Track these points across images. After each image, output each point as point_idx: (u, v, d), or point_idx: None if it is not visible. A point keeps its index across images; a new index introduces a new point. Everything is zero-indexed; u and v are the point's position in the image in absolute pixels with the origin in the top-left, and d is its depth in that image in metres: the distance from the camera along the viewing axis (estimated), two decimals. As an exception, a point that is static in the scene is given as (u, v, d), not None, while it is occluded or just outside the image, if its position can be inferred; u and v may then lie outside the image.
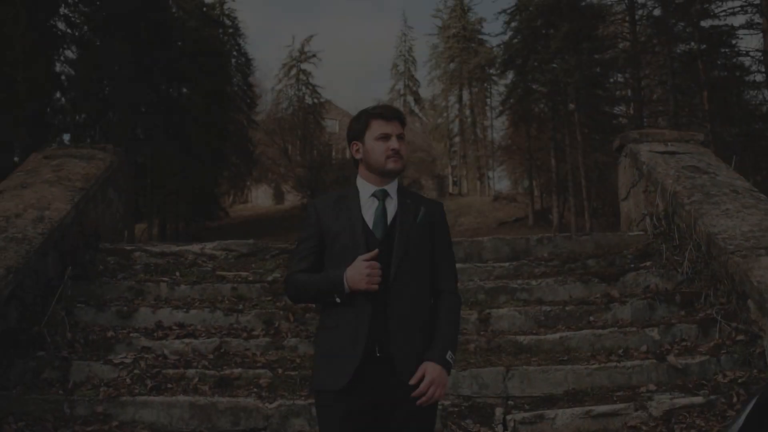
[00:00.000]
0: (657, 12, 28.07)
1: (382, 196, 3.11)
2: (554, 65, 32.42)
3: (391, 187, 3.15)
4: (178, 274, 6.21)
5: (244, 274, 6.26)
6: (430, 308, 3.07)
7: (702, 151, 7.31)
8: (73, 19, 27.22)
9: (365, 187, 3.15)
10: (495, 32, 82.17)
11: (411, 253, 3.01)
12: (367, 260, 2.87)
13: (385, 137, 3.08)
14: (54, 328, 5.19)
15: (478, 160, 55.25)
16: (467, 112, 56.11)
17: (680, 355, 5.02)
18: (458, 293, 3.20)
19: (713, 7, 26.07)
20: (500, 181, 61.69)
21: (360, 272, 2.84)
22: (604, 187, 32.99)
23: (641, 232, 6.95)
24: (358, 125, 3.21)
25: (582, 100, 32.41)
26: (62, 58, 28.19)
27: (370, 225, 3.04)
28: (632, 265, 6.30)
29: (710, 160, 7.05)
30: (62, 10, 26.03)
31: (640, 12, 29.11)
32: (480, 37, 52.97)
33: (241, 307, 5.75)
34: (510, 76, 39.68)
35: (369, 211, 3.09)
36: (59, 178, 6.23)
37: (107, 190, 6.91)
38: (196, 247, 6.63)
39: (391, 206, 3.10)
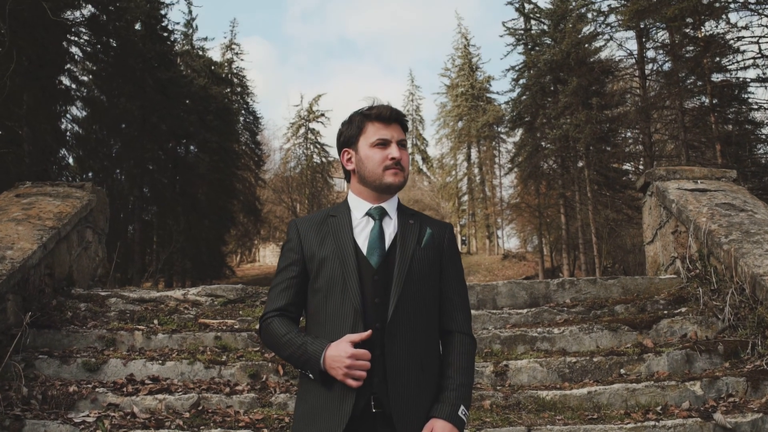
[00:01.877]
0: (667, 66, 27.77)
1: (378, 215, 2.54)
2: (563, 121, 32.12)
3: (390, 205, 2.57)
4: (156, 321, 5.56)
5: (230, 321, 5.59)
6: (437, 352, 2.49)
7: (735, 188, 6.69)
8: (79, 76, 27.01)
9: (358, 205, 2.57)
10: (503, 90, 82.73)
11: (414, 285, 2.44)
12: (356, 342, 2.29)
13: (383, 144, 2.52)
14: (8, 381, 4.53)
15: (487, 218, 54.72)
16: (476, 170, 55.77)
17: (729, 413, 4.31)
18: (472, 334, 2.56)
19: (724, 61, 25.72)
20: (509, 240, 61.04)
21: (340, 360, 2.27)
22: (615, 244, 32.43)
23: (673, 276, 6.29)
24: (351, 129, 2.63)
25: (591, 156, 32.05)
26: (68, 115, 28.03)
27: (364, 250, 2.48)
28: (665, 312, 5.62)
29: (746, 198, 6.41)
30: (69, 66, 25.81)
31: (650, 66, 28.83)
32: (488, 95, 52.86)
33: (224, 358, 5.08)
34: (518, 133, 39.44)
35: (363, 233, 2.53)
36: (28, 216, 5.63)
37: (84, 232, 6.30)
38: (178, 293, 5.98)
39: (390, 227, 2.53)
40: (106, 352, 5.16)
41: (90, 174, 29.19)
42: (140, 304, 5.80)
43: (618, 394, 4.60)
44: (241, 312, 5.81)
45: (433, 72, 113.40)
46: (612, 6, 26.86)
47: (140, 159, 30.38)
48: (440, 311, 2.54)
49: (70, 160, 28.14)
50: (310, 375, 2.33)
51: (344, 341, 2.29)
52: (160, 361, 4.96)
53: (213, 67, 38.38)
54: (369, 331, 2.31)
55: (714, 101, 26.76)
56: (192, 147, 35.69)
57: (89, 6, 23.82)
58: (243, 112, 43.36)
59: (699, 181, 6.69)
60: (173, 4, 32.08)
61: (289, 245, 2.60)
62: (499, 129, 48.61)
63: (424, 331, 2.44)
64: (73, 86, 25.19)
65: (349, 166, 2.63)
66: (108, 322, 5.52)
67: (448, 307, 2.55)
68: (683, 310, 5.60)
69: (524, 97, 36.05)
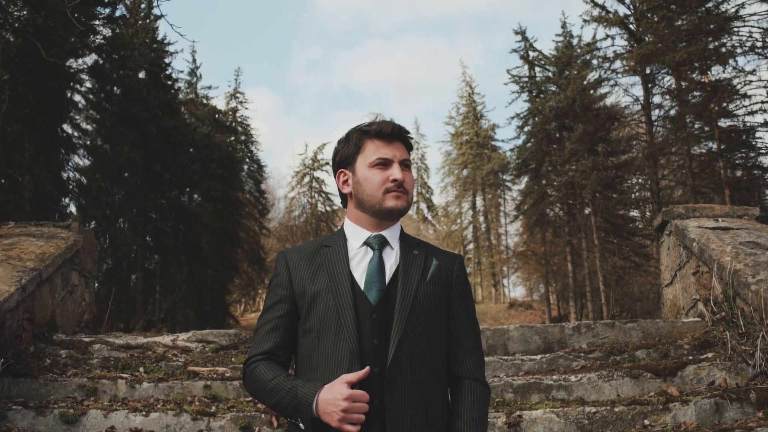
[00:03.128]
0: (674, 112, 27.69)
1: (378, 244, 2.23)
2: (569, 168, 31.98)
3: (391, 233, 2.26)
4: (141, 369, 5.16)
5: (221, 369, 5.19)
6: (445, 401, 2.17)
7: (759, 226, 6.32)
8: (82, 124, 26.95)
9: (356, 233, 2.26)
10: (508, 137, 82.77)
11: (418, 324, 2.13)
12: (353, 382, 1.99)
13: (384, 164, 2.22)
14: (-24, 435, 4.15)
15: (493, 266, 54.35)
16: (481, 218, 55.57)
17: (766, 468, 3.91)
18: (485, 381, 2.21)
19: (732, 106, 25.64)
20: (515, 288, 60.72)
21: (335, 403, 1.96)
22: (623, 292, 32.06)
23: (697, 319, 5.88)
24: (347, 147, 2.32)
25: (598, 203, 31.87)
26: (71, 163, 27.95)
27: (362, 284, 2.17)
28: (690, 357, 5.22)
29: (771, 236, 6.05)
30: (71, 114, 25.75)
31: (656, 112, 28.75)
32: (493, 143, 52.85)
33: (213, 409, 4.67)
34: (524, 180, 39.30)
35: (360, 264, 2.22)
36: (8, 257, 5.28)
37: (69, 274, 5.94)
38: (167, 339, 5.60)
39: (391, 258, 2.22)
40: (86, 403, 4.76)
41: (93, 223, 29.01)
42: (126, 350, 5.41)
43: (644, 447, 4.19)
44: (233, 359, 5.41)
45: (437, 121, 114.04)
46: (617, 52, 26.83)
47: (143, 207, 30.20)
48: (448, 354, 2.22)
49: (73, 209, 27.98)
50: (301, 425, 2.00)
51: (339, 382, 1.97)
52: (144, 413, 4.56)
53: (217, 116, 38.41)
54: (367, 368, 1.99)
55: (722, 146, 26.64)
56: (195, 195, 35.55)
57: (92, 54, 23.83)
58: (247, 160, 43.29)
59: (720, 219, 6.34)
60: (177, 52, 32.12)
61: (276, 280, 2.28)
62: (504, 177, 48.56)
63: (430, 377, 2.12)
64: (75, 134, 25.09)
65: (346, 189, 2.32)
66: (90, 370, 5.13)
67: (458, 349, 2.23)
68: (710, 355, 5.20)
69: (529, 144, 35.96)
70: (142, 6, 30.65)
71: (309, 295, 2.16)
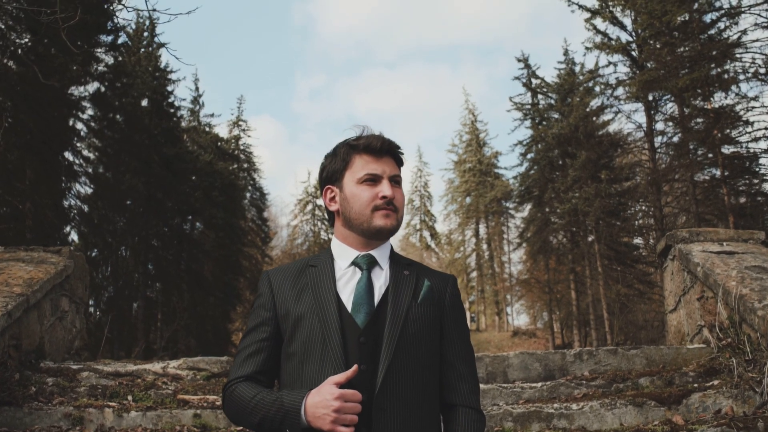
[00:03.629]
0: (677, 138, 27.70)
1: (366, 264, 2.12)
2: (572, 195, 31.94)
3: (381, 253, 2.15)
4: (130, 398, 5.00)
5: (211, 398, 5.03)
6: (437, 430, 2.04)
7: (765, 251, 6.18)
8: (83, 151, 26.97)
9: (343, 253, 2.15)
10: (511, 165, 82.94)
11: (408, 349, 2.01)
12: (341, 383, 1.88)
13: (373, 180, 2.11)
14: (-45, 465, 4.01)
15: (496, 294, 54.11)
16: (484, 246, 55.45)
17: (777, 501, 3.74)
18: (480, 409, 2.08)
19: (734, 133, 25.63)
20: (519, 316, 60.51)
21: (325, 404, 1.84)
22: (626, 320, 31.90)
23: (702, 345, 5.72)
24: (335, 163, 2.21)
25: (601, 230, 31.79)
26: (73, 191, 27.96)
27: (349, 307, 2.05)
28: (696, 385, 5.05)
29: (777, 260, 5.90)
30: (74, 142, 25.78)
31: (659, 139, 28.75)
32: (496, 170, 52.89)
33: (203, 439, 4.53)
34: (527, 208, 39.27)
35: (348, 286, 2.10)
36: (-4, 282, 5.16)
37: (59, 300, 5.80)
38: (157, 366, 5.44)
39: (381, 279, 2.11)
40: (71, 432, 4.61)
41: (95, 251, 28.93)
42: (115, 378, 5.26)
43: (648, 479, 4.03)
44: (225, 387, 5.26)
45: (440, 149, 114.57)
46: (620, 79, 26.84)
47: (145, 235, 30.20)
48: (441, 381, 2.09)
49: (75, 236, 27.92)
50: None
51: (327, 384, 1.86)
52: (131, 442, 4.42)
53: (219, 143, 38.49)
54: (354, 368, 1.87)
55: (725, 173, 26.59)
56: (198, 223, 35.53)
57: (95, 81, 23.89)
58: (249, 188, 43.33)
59: (725, 243, 6.20)
60: (180, 80, 32.23)
61: (259, 301, 2.16)
62: (507, 204, 48.60)
63: (421, 406, 1.99)
64: (77, 161, 25.08)
65: (333, 207, 2.20)
66: (77, 398, 4.97)
67: (451, 375, 2.09)
68: (715, 383, 5.04)
69: (532, 171, 35.97)
70: (145, 34, 30.78)
71: (293, 317, 2.04)
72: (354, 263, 2.12)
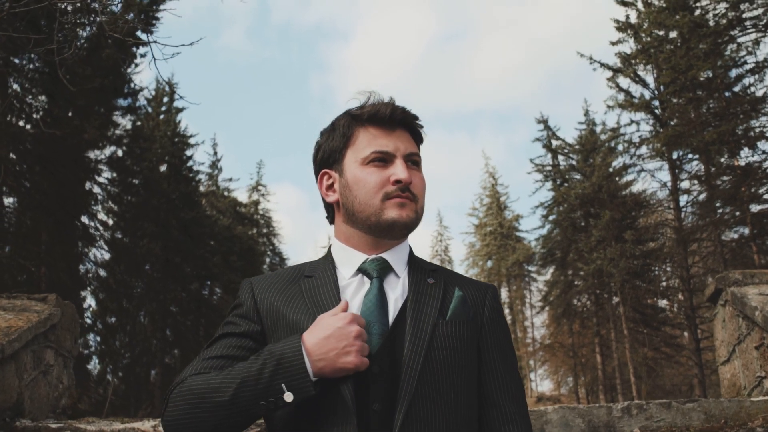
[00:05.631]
0: (703, 197, 27.25)
1: (377, 271, 1.59)
2: (597, 255, 31.39)
3: (396, 256, 1.63)
4: (118, 459, 4.47)
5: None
6: None
7: (824, 293, 5.60)
8: (99, 214, 26.83)
9: (347, 257, 1.64)
10: (532, 227, 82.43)
11: (436, 380, 1.49)
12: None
13: (383, 159, 1.59)
14: None
15: (520, 360, 53.03)
16: (506, 310, 54.57)
17: None
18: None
19: (762, 190, 25.15)
20: (542, 382, 59.06)
21: (340, 334, 1.38)
22: (654, 384, 31.17)
23: (766, 398, 5.11)
24: (332, 140, 1.67)
25: (627, 292, 31.19)
26: (89, 255, 27.75)
27: None
28: (763, 442, 4.46)
29: (840, 304, 5.32)
30: (92, 206, 25.66)
31: (684, 198, 28.27)
32: (517, 234, 52.40)
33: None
34: (549, 271, 38.71)
35: (354, 300, 1.58)
36: (-26, 331, 4.68)
37: (43, 352, 5.28)
38: (147, 425, 4.88)
39: (397, 289, 1.58)
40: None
41: (113, 318, 28.58)
42: (102, 438, 4.73)
43: None
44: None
45: (460, 213, 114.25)
46: (643, 137, 26.53)
47: (162, 300, 29.85)
48: (481, 424, 1.56)
49: (91, 302, 27.59)
50: (286, 397, 1.38)
51: (326, 315, 1.44)
52: None
53: (238, 208, 38.38)
54: (344, 301, 1.49)
55: (754, 231, 26.03)
56: (216, 288, 35.18)
57: (112, 145, 23.87)
58: (269, 253, 43.06)
59: (782, 286, 5.63)
60: (199, 144, 32.23)
61: (238, 311, 1.63)
62: (529, 267, 47.99)
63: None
64: (92, 224, 24.88)
65: (331, 197, 1.68)
66: (58, 460, 4.44)
67: (494, 416, 1.57)
68: (785, 439, 4.44)
69: (554, 233, 35.51)
70: (164, 99, 30.94)
71: (283, 336, 1.52)
72: (361, 270, 1.61)
